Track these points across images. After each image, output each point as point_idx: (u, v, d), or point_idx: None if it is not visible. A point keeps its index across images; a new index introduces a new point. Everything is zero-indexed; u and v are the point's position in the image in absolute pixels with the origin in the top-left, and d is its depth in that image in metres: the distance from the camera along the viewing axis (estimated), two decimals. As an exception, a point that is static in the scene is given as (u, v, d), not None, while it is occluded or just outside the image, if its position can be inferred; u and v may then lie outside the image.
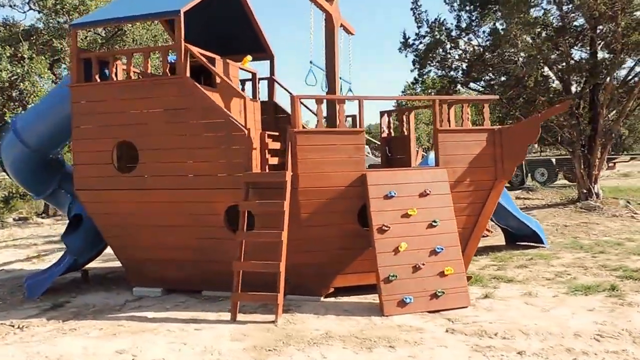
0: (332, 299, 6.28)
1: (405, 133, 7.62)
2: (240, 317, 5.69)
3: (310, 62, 6.39)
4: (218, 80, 7.00)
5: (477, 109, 17.00)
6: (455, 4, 12.85)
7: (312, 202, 5.99)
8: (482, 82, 13.82)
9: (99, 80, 6.66)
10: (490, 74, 13.03)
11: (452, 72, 14.30)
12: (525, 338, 4.80)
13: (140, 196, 6.48)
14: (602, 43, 11.83)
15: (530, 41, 10.58)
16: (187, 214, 6.38)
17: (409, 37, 14.65)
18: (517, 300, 5.95)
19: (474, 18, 12.58)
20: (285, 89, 8.84)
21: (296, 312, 5.79)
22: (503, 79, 12.61)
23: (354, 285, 6.39)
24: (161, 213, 6.48)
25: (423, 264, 5.76)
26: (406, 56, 14.78)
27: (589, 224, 10.79)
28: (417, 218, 5.93)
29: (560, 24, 11.81)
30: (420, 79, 14.50)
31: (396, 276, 5.67)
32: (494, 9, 11.75)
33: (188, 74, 6.28)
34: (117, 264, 8.89)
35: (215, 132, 6.17)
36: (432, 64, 13.53)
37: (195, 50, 6.36)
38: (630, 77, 12.59)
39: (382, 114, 7.96)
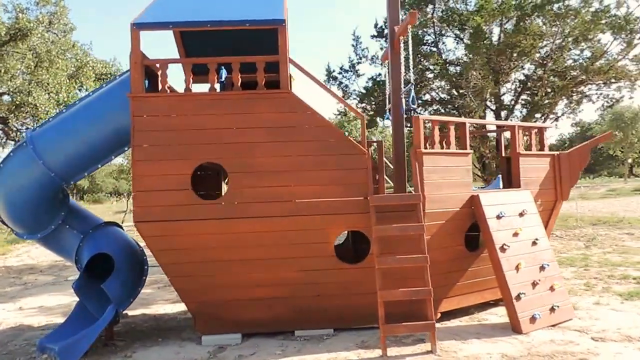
0: (439, 325, 6.09)
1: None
2: (377, 353, 5.23)
3: (411, 83, 6.28)
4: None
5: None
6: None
7: (435, 224, 5.84)
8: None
9: (168, 91, 5.64)
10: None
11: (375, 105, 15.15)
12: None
13: (229, 226, 5.54)
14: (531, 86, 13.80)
15: (483, 81, 11.87)
16: (289, 244, 5.66)
17: (333, 70, 15.18)
18: (602, 308, 6.51)
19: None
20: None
21: (428, 342, 5.50)
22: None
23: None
24: (255, 245, 5.62)
25: (539, 280, 6.00)
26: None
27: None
28: (523, 236, 6.16)
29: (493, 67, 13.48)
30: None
31: (525, 293, 5.80)
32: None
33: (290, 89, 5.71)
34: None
35: (331, 153, 5.64)
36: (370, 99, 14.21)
37: (297, 63, 5.82)
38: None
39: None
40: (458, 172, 6.08)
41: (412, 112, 6.92)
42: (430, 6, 14.13)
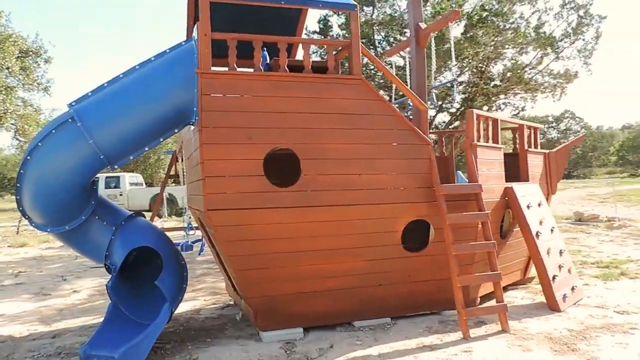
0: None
1: (446, 154, 8.30)
2: (455, 336, 5.43)
3: (454, 79, 6.52)
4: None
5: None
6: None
7: (483, 214, 6.16)
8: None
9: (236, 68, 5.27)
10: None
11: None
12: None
13: (303, 215, 5.33)
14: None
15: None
16: (358, 233, 5.60)
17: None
18: (595, 288, 7.35)
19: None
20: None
21: (489, 323, 5.82)
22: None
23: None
24: (328, 234, 5.48)
25: (562, 264, 6.64)
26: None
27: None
28: (545, 224, 6.77)
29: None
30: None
31: (557, 275, 6.38)
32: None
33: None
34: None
35: (400, 142, 5.69)
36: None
37: (367, 51, 5.77)
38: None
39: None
40: (498, 165, 6.50)
41: (437, 106, 7.17)
42: (370, 8, 14.66)
